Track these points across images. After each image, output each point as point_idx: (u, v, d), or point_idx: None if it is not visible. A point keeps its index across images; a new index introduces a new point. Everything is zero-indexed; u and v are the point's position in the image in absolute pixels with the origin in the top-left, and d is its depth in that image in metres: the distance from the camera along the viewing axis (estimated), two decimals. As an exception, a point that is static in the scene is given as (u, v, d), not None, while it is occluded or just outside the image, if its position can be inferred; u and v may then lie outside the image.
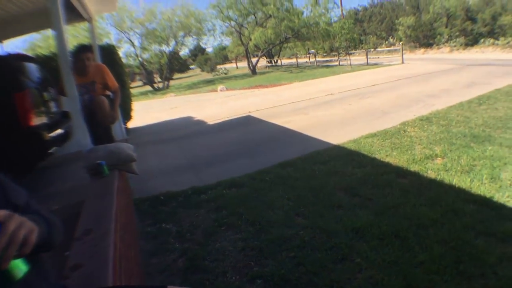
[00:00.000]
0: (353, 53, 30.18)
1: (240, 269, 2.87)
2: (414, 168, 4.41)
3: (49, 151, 4.82)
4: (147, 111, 14.31)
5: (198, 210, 4.08)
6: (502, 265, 2.47)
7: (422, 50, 32.06)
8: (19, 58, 5.29)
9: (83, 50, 4.34)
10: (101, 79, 4.50)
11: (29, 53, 8.06)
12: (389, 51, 29.91)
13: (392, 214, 3.33)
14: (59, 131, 5.18)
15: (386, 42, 37.66)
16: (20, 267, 0.81)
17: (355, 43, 33.37)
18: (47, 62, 7.70)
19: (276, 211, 3.69)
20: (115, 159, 3.54)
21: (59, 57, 3.82)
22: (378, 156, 5.00)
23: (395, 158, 4.81)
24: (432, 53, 29.90)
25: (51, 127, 5.05)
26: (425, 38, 33.27)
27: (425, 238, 2.88)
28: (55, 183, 5.37)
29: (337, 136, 6.30)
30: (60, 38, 3.66)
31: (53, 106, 5.47)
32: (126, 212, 3.17)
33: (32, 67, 5.37)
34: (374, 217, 3.29)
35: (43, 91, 5.26)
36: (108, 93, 4.66)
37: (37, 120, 4.69)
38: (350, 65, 22.97)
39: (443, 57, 23.83)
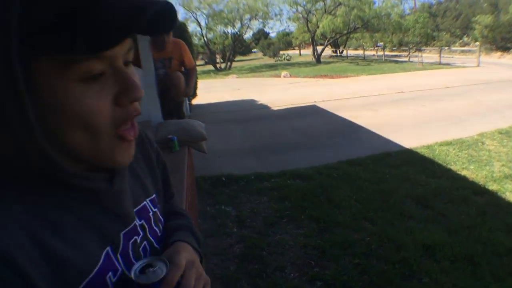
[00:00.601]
0: (424, 49, 28.65)
1: (299, 267, 2.80)
2: (492, 187, 4.09)
3: None
4: (210, 90, 14.44)
5: (260, 197, 4.04)
6: None
7: (499, 53, 29.71)
8: None
9: None
10: (179, 55, 4.53)
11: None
12: (462, 51, 28.12)
13: (466, 235, 3.12)
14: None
15: (460, 41, 35.37)
16: None
17: (427, 39, 31.66)
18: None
19: (343, 211, 3.57)
20: (185, 136, 3.56)
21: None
22: (453, 167, 4.69)
23: (472, 173, 4.49)
24: (508, 58, 27.61)
25: None
26: (502, 41, 30.68)
27: (499, 268, 2.69)
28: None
29: (409, 138, 5.98)
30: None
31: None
32: (192, 190, 3.18)
33: None
34: (447, 236, 3.10)
35: None
36: (182, 69, 4.69)
37: None
38: (422, 62, 21.82)
39: (521, 64, 21.96)
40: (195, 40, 33.11)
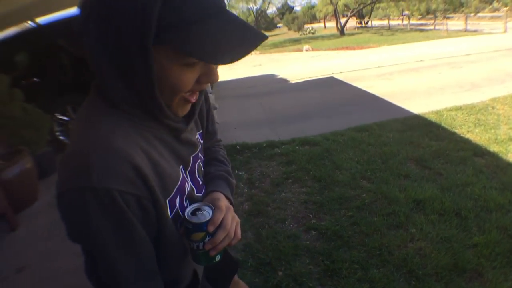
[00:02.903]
0: (452, 17, 27.61)
1: (298, 219, 3.11)
2: (494, 148, 4.19)
3: None
4: (231, 67, 14.60)
5: (270, 162, 4.36)
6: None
7: (531, 18, 28.17)
8: None
9: None
10: None
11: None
12: (492, 17, 26.82)
13: (458, 192, 3.27)
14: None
15: (490, 7, 33.67)
16: (220, 253, 0.87)
17: (454, 6, 30.42)
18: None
19: (343, 172, 3.83)
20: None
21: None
22: (458, 131, 4.80)
23: (476, 136, 4.60)
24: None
25: None
26: (534, 5, 29.07)
27: (486, 222, 2.81)
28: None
29: (419, 105, 6.09)
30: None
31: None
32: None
33: None
34: (439, 192, 3.28)
35: None
36: None
37: None
38: (447, 30, 21.18)
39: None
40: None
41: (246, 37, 0.68)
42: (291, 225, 3.04)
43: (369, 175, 3.73)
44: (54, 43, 5.32)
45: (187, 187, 0.87)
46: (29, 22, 6.62)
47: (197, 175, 0.93)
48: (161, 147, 0.79)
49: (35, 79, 5.33)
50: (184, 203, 0.86)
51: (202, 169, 1.01)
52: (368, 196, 3.31)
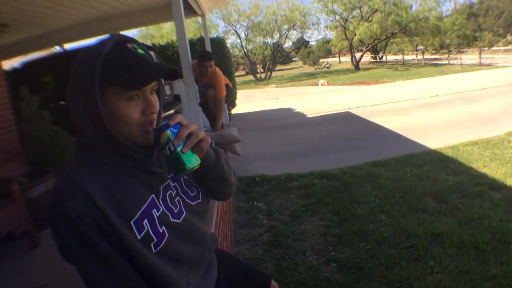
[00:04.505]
0: (466, 51, 27.85)
1: (318, 251, 3.19)
2: (510, 182, 4.22)
3: None
4: (249, 99, 14.98)
5: (288, 194, 4.48)
6: None
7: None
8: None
9: (207, 58, 4.88)
10: (214, 84, 5.03)
11: (146, 42, 9.19)
12: (506, 51, 26.89)
13: (476, 225, 3.31)
14: (171, 111, 6.01)
15: (504, 40, 33.84)
16: (194, 159, 0.96)
17: (468, 41, 30.72)
18: (162, 51, 8.78)
19: (362, 206, 3.91)
20: (222, 139, 4.11)
21: (179, 47, 4.41)
22: (475, 165, 4.86)
23: (492, 170, 4.66)
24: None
25: (164, 107, 5.88)
26: (550, 37, 29.14)
27: (504, 254, 2.84)
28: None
29: (435, 140, 6.18)
30: (180, 31, 4.19)
31: (167, 90, 6.38)
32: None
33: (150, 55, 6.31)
34: (457, 226, 3.32)
35: None
36: None
37: None
38: (461, 64, 21.37)
39: None
40: (235, 52, 34.24)
41: (156, 70, 0.94)
42: (311, 257, 3.12)
43: (387, 209, 3.80)
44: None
45: (156, 213, 0.99)
46: (57, 47, 7.07)
47: (169, 203, 1.04)
48: (129, 179, 0.96)
49: (61, 102, 5.56)
50: (159, 228, 0.98)
51: (185, 198, 1.12)
52: (386, 230, 3.37)
